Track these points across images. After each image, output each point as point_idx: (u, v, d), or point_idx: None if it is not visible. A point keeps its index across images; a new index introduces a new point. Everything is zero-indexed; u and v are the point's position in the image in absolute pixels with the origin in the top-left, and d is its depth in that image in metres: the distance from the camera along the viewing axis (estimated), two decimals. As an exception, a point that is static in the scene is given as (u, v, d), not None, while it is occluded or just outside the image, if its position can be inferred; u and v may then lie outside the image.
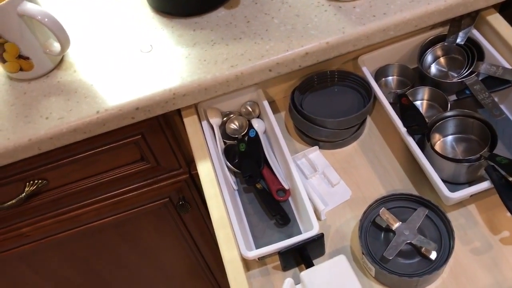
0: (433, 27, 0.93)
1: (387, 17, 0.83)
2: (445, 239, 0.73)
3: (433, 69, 0.94)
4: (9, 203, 0.91)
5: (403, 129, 0.83)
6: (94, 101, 0.82)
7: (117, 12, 0.96)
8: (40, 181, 0.91)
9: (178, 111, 0.89)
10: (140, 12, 0.95)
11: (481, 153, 0.76)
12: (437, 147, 0.83)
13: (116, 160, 0.93)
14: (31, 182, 0.90)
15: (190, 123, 0.86)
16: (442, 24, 0.93)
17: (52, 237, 1.04)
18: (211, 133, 0.88)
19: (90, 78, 0.85)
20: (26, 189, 0.91)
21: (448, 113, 0.83)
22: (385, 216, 0.74)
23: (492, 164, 0.74)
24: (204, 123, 0.88)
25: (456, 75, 0.89)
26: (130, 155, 0.93)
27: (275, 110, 0.98)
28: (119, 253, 1.17)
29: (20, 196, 0.90)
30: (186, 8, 0.91)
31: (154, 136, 0.90)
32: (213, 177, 0.77)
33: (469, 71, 0.87)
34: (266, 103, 0.90)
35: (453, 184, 0.80)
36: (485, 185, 0.74)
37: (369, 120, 0.94)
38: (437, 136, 0.83)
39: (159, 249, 1.21)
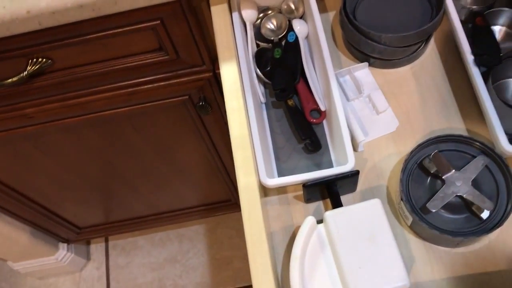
0: None
1: None
2: (502, 197, 0.61)
3: (529, -15, 0.74)
4: (9, 80, 0.80)
5: (469, 57, 0.67)
6: (107, -27, 0.67)
7: None
8: (44, 59, 0.80)
9: (207, -2, 0.74)
10: None
11: None
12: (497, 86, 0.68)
13: (131, 46, 0.80)
14: (34, 60, 0.79)
15: (218, 13, 0.71)
16: None
17: (59, 121, 0.95)
18: (242, 31, 0.74)
19: None
20: (28, 67, 0.80)
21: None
22: (438, 160, 0.62)
23: None
24: (236, 16, 0.73)
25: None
26: (147, 43, 0.80)
27: (322, 10, 0.82)
28: (133, 145, 1.09)
29: (22, 74, 0.80)
30: None
31: (175, 23, 0.76)
32: (238, 87, 0.65)
33: None
34: (313, 1, 0.74)
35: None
36: None
37: (434, 39, 0.78)
38: (500, 74, 0.68)
39: (175, 145, 1.13)
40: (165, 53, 0.82)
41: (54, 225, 1.42)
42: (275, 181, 0.63)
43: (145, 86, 0.90)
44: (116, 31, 0.76)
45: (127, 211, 1.46)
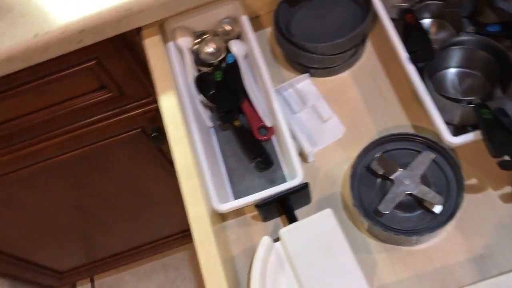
0: None
1: None
2: (452, 189, 0.62)
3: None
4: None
5: (404, 55, 0.68)
6: (32, 22, 0.67)
7: None
8: (-15, 115, 0.79)
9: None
10: None
11: (473, 97, 0.63)
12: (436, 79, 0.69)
13: (72, 89, 0.80)
14: (-27, 117, 0.78)
15: (152, 45, 0.71)
16: None
17: (13, 173, 0.93)
18: (180, 58, 0.73)
19: (27, -9, 0.69)
20: (-32, 125, 0.79)
21: (460, 39, 0.67)
22: (383, 161, 0.62)
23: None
24: (171, 45, 0.73)
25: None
26: (87, 84, 0.80)
27: (258, 28, 0.82)
28: (96, 184, 1.08)
29: (-38, 134, 0.79)
30: None
31: (112, 61, 0.76)
32: (178, 116, 0.64)
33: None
34: (246, 20, 0.74)
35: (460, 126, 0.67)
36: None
37: (370, 41, 0.79)
38: (437, 65, 0.69)
39: (139, 177, 1.11)
40: (108, 91, 0.82)
41: (34, 274, 1.38)
42: (227, 206, 0.62)
43: (94, 126, 0.89)
44: (52, 77, 0.75)
45: (106, 249, 1.44)
